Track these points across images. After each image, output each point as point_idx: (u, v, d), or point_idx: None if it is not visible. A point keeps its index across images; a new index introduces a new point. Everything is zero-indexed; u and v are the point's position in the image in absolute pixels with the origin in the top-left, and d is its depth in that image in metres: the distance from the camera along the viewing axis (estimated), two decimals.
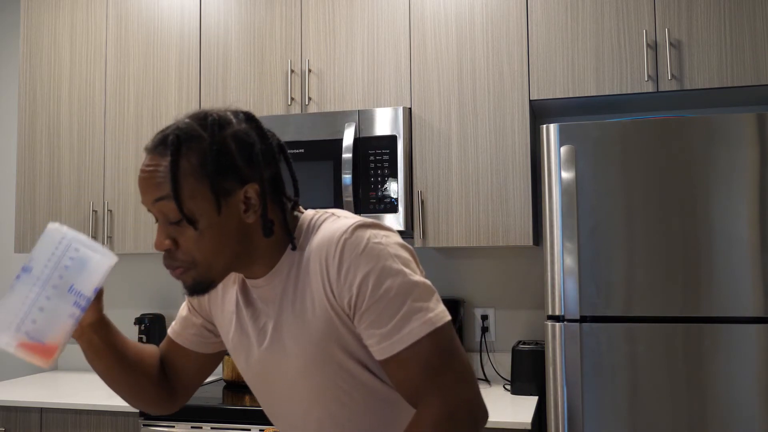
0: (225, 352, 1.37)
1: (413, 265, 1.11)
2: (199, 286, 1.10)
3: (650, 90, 2.50)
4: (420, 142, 2.69)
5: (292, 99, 2.82)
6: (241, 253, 1.11)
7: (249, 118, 1.13)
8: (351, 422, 1.15)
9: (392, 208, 2.59)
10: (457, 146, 2.65)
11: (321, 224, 1.14)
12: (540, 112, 2.86)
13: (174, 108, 2.96)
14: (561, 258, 2.22)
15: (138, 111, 3.01)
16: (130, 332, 3.35)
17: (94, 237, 3.00)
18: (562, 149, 2.24)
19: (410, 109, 2.70)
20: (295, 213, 1.18)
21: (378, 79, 2.75)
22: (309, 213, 1.19)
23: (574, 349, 2.19)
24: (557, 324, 2.21)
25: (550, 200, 2.25)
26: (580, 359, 2.19)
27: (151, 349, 1.32)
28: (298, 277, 1.13)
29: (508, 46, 2.64)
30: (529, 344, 2.67)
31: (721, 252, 2.12)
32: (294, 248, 1.12)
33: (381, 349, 1.06)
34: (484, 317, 2.94)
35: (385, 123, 2.62)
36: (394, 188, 2.59)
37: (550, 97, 2.59)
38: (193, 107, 2.94)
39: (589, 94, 2.55)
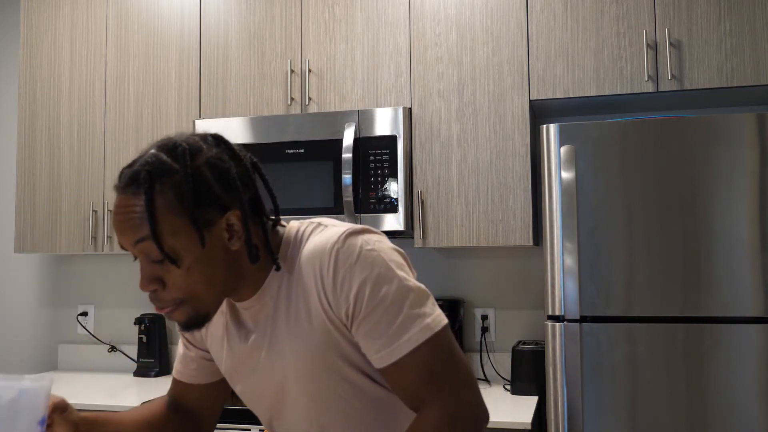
0: None
1: (407, 268, 1.11)
2: (193, 321, 1.07)
3: (650, 90, 2.50)
4: (420, 142, 2.69)
5: (292, 99, 2.82)
6: (231, 280, 1.08)
7: (219, 141, 1.09)
8: (354, 431, 1.15)
9: (392, 208, 2.59)
10: (457, 146, 2.65)
11: (309, 236, 1.12)
12: (540, 112, 2.86)
13: (174, 108, 2.96)
14: (561, 258, 2.22)
15: (138, 111, 3.01)
16: (130, 332, 3.35)
17: (94, 237, 3.00)
18: (562, 149, 2.24)
19: (410, 109, 2.70)
20: (277, 228, 1.16)
21: (378, 79, 2.75)
22: (294, 225, 1.16)
23: (574, 349, 2.19)
24: (557, 324, 2.21)
25: (550, 200, 2.25)
26: (580, 359, 2.19)
27: (153, 408, 1.31)
28: (290, 292, 1.11)
29: (508, 46, 2.64)
30: (529, 344, 2.67)
31: (721, 252, 2.12)
32: (278, 269, 1.10)
33: (380, 358, 1.05)
34: (484, 317, 2.94)
35: (385, 123, 2.62)
36: (394, 188, 2.59)
37: (550, 97, 2.59)
38: (193, 107, 2.94)
39: (589, 94, 2.55)
